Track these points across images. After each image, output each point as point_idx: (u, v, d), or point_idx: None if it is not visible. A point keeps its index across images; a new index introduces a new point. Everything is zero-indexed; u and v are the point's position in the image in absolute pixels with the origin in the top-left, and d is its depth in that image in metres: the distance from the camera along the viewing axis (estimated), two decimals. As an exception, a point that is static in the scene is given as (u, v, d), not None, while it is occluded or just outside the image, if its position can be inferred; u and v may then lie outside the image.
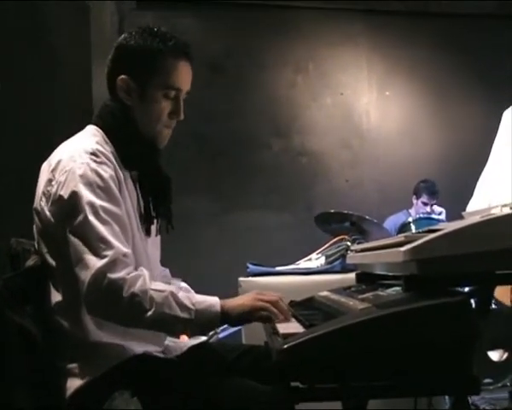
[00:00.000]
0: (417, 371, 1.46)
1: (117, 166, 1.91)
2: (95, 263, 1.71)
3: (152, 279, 1.82)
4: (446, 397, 3.15)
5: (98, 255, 1.72)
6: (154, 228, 2.09)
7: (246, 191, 6.60)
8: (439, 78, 7.09)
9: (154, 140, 2.03)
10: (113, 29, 6.28)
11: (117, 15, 6.36)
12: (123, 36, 2.04)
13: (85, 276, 1.71)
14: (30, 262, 1.90)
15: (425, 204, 6.06)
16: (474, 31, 7.06)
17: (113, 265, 1.71)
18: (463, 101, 7.12)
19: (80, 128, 2.03)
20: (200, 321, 1.80)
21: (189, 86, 2.06)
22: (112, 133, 1.98)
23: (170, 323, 1.78)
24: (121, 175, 1.92)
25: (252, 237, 6.35)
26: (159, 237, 2.17)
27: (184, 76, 2.03)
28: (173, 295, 1.78)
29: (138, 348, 1.89)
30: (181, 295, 1.80)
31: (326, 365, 1.44)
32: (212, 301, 1.84)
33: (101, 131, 1.99)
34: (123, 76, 1.99)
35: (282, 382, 1.54)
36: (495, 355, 4.21)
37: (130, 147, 1.98)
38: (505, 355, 4.21)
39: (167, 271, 2.33)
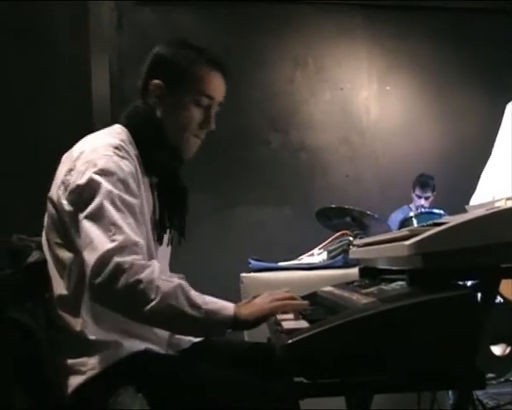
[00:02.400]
0: (421, 365, 1.46)
1: (138, 169, 1.90)
2: (103, 245, 1.67)
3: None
4: (450, 393, 3.14)
5: (108, 238, 1.69)
6: (166, 238, 2.06)
7: (245, 187, 6.57)
8: (441, 71, 7.07)
9: (180, 148, 2.02)
10: (112, 26, 6.29)
11: (116, 12, 6.36)
12: (160, 44, 2.07)
13: (92, 257, 1.67)
14: (31, 259, 1.90)
15: (418, 197, 6.09)
16: (476, 24, 7.04)
17: (121, 249, 1.67)
18: (465, 94, 7.10)
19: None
20: (210, 322, 1.72)
21: (221, 98, 2.08)
22: (137, 135, 1.97)
23: (174, 318, 1.70)
24: (141, 178, 1.91)
25: (252, 232, 6.33)
26: (169, 247, 2.14)
27: (217, 86, 2.05)
28: (182, 288, 1.71)
29: (139, 345, 1.86)
30: (192, 291, 1.74)
31: (330, 360, 1.43)
32: (226, 304, 1.77)
33: (126, 130, 1.98)
34: (156, 81, 2.00)
35: (286, 378, 1.53)
36: (498, 350, 4.21)
37: (154, 152, 1.97)
38: (508, 350, 4.22)
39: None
